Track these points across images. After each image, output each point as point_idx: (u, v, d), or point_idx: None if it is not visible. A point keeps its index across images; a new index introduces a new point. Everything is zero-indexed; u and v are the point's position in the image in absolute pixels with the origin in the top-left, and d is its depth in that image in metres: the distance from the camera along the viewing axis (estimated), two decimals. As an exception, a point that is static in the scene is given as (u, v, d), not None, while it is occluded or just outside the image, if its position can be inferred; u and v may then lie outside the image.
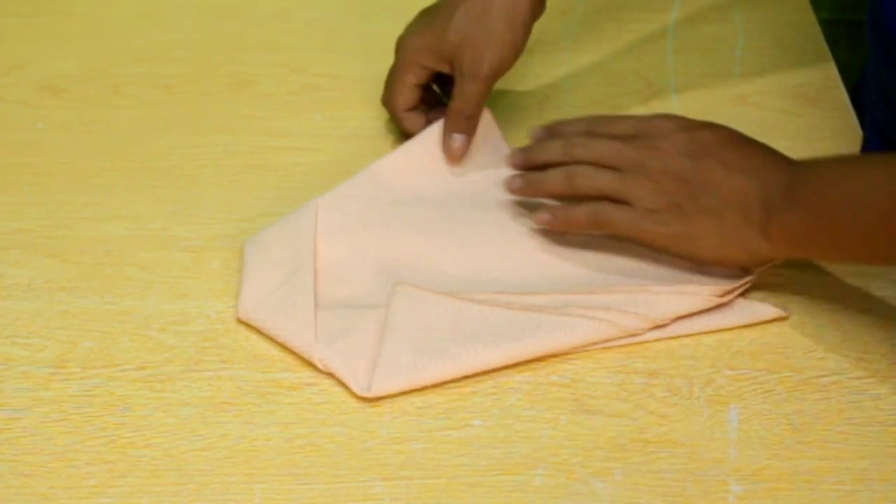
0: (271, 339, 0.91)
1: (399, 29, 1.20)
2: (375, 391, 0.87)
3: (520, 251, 0.97)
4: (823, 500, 0.81)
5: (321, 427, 0.86)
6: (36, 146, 1.09)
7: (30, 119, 1.12)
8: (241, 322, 0.93)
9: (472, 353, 0.88)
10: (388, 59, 1.18)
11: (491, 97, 1.13)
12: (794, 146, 1.07)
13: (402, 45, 1.06)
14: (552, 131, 0.98)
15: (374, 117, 1.12)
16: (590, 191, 0.93)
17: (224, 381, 0.89)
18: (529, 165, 0.97)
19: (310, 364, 0.89)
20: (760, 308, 0.93)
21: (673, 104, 1.12)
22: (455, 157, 1.03)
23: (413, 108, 1.06)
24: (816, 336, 0.92)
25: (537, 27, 1.16)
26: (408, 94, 1.06)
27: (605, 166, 0.93)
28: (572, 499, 0.82)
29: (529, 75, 1.16)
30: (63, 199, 1.04)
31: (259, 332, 0.92)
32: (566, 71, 1.17)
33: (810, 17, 1.22)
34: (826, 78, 1.15)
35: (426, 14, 1.06)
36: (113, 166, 1.07)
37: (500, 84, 1.14)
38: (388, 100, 1.07)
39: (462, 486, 0.83)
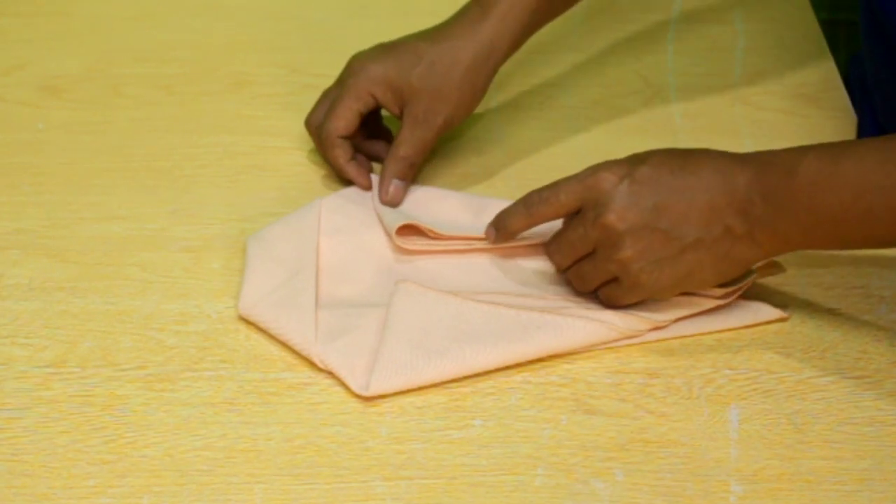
0: (271, 336, 0.91)
1: (399, 28, 1.20)
2: (374, 390, 0.87)
3: (521, 252, 0.97)
4: (824, 499, 0.81)
5: (321, 427, 0.86)
6: (36, 146, 1.09)
7: (30, 119, 1.12)
8: (241, 321, 0.93)
9: (472, 352, 0.88)
10: (388, 59, 1.18)
11: (492, 97, 1.14)
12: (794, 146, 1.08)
13: (359, 70, 1.03)
14: (501, 231, 0.94)
15: (374, 117, 1.12)
16: (590, 288, 0.91)
17: (224, 381, 0.89)
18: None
19: (310, 364, 0.89)
20: (760, 308, 0.93)
21: (673, 104, 1.12)
22: (393, 202, 1.01)
23: (347, 137, 1.03)
24: (816, 336, 0.92)
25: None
26: (351, 119, 1.02)
27: (581, 256, 0.90)
28: (573, 499, 0.82)
29: (530, 75, 1.16)
30: (63, 199, 1.04)
31: (259, 331, 0.92)
32: (566, 71, 1.17)
33: (810, 17, 1.22)
34: (826, 78, 1.15)
35: (390, 49, 1.04)
36: (113, 166, 1.07)
37: (500, 84, 1.15)
38: (327, 121, 1.02)
39: (462, 485, 0.83)
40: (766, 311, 0.93)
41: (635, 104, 1.12)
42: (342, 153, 1.02)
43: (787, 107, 1.12)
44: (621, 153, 1.06)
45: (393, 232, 0.96)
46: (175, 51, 1.20)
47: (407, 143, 1.01)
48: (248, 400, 0.88)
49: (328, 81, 1.15)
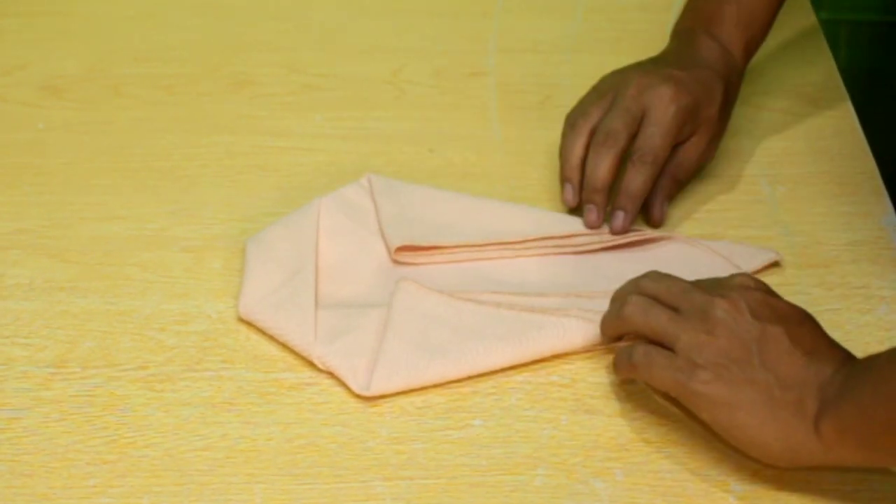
0: (271, 337, 0.91)
1: (398, 29, 1.21)
2: (374, 390, 0.87)
3: (524, 255, 0.97)
4: (824, 499, 0.81)
5: (322, 427, 0.86)
6: (36, 146, 1.09)
7: (30, 119, 1.12)
8: (241, 321, 0.93)
9: (473, 353, 0.88)
10: (388, 59, 1.18)
11: (492, 97, 1.13)
12: (794, 146, 1.08)
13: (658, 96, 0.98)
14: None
15: (374, 117, 1.12)
16: (640, 327, 0.83)
17: (224, 381, 0.89)
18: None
19: (310, 364, 0.89)
20: (754, 255, 0.94)
21: (673, 104, 1.12)
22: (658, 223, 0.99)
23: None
24: (817, 336, 0.92)
25: (538, 27, 1.16)
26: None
27: (665, 304, 0.83)
28: (573, 499, 0.82)
29: (529, 75, 1.16)
30: (63, 199, 1.04)
31: (259, 331, 0.92)
32: (566, 71, 1.17)
33: (810, 17, 1.22)
34: (826, 78, 1.15)
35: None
36: (113, 166, 1.07)
37: (500, 84, 1.15)
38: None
39: (462, 486, 0.83)
40: (758, 257, 0.94)
41: (635, 104, 1.12)
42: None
43: (787, 107, 1.12)
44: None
45: (392, 250, 0.96)
46: (175, 51, 1.20)
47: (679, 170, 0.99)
48: (248, 400, 0.88)
49: (328, 81, 1.16)
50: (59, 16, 1.24)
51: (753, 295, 0.82)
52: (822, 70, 1.16)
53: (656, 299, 0.84)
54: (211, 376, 0.89)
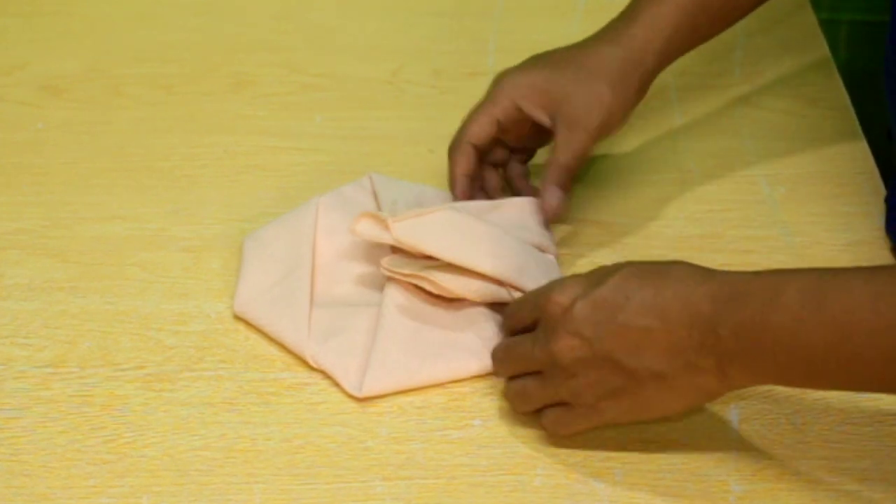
0: (266, 334, 0.91)
1: (398, 29, 1.21)
2: (367, 391, 0.87)
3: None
4: (824, 499, 0.81)
5: (321, 427, 0.86)
6: (36, 146, 1.09)
7: (30, 119, 1.12)
8: (240, 320, 0.93)
9: (465, 355, 0.88)
10: (388, 59, 1.18)
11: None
12: (794, 146, 1.08)
13: (501, 79, 0.97)
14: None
15: (374, 117, 1.12)
16: (530, 409, 0.84)
17: (224, 380, 0.89)
18: None
19: (308, 363, 0.89)
20: None
21: (673, 104, 1.12)
22: (553, 213, 0.95)
23: (478, 147, 0.97)
24: (816, 336, 0.92)
25: (539, 27, 1.16)
26: (485, 125, 0.96)
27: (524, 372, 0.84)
28: (572, 499, 0.82)
29: (529, 75, 1.16)
30: (63, 199, 1.04)
31: (256, 329, 0.92)
32: (566, 71, 1.16)
33: (810, 18, 1.22)
34: (826, 78, 1.15)
35: (537, 58, 0.98)
36: (113, 166, 1.07)
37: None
38: (460, 127, 0.97)
39: (462, 485, 0.82)
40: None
41: (635, 104, 1.12)
42: (462, 161, 0.96)
43: (787, 107, 1.12)
44: (621, 153, 1.06)
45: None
46: (175, 51, 1.20)
47: (564, 148, 0.94)
48: (247, 400, 0.88)
49: (328, 81, 1.16)
50: (59, 16, 1.24)
51: (579, 311, 0.80)
52: (822, 70, 1.16)
53: (518, 373, 0.84)
54: (210, 376, 0.89)
